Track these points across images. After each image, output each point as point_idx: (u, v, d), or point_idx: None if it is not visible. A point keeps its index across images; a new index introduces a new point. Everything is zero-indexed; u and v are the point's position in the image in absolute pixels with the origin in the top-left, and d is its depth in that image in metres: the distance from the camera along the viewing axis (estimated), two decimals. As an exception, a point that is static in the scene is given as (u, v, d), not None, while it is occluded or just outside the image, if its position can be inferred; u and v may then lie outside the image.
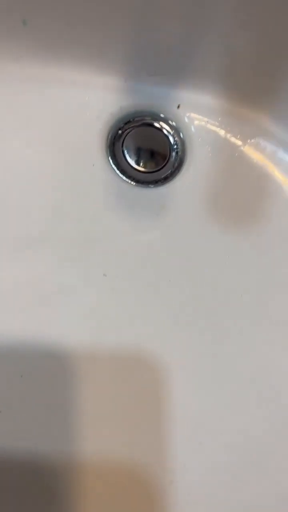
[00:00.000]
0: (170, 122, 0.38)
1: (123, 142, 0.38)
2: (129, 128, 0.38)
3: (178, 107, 0.39)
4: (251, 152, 0.37)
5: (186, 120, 0.38)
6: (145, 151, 0.38)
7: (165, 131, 0.39)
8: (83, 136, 0.37)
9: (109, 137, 0.38)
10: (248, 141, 0.38)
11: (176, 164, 0.38)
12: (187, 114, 0.38)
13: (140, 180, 0.38)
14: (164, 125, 0.38)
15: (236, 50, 0.35)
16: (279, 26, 0.33)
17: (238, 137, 0.38)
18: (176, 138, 0.38)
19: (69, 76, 0.37)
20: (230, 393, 0.38)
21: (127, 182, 0.38)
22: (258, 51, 0.35)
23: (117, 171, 0.38)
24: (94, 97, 0.37)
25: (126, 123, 0.38)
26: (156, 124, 0.39)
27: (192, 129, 0.38)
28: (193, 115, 0.38)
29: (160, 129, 0.39)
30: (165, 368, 0.37)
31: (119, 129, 0.38)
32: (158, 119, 0.38)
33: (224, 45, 0.35)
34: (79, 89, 0.37)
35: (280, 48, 0.34)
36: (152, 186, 0.38)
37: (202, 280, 0.38)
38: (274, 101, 0.37)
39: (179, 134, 0.38)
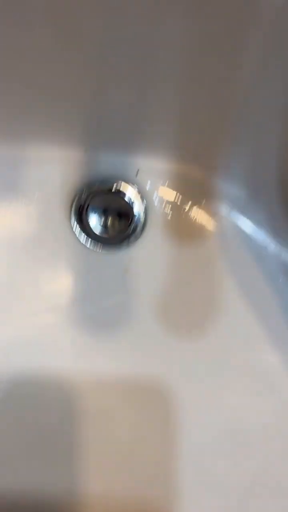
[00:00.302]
0: (130, 188, 0.40)
1: (86, 211, 0.40)
2: (91, 196, 0.40)
3: (137, 173, 0.41)
4: (208, 214, 0.39)
5: (145, 185, 0.40)
6: (108, 217, 0.40)
7: (126, 197, 0.40)
8: (46, 209, 0.39)
9: (72, 207, 0.39)
10: (205, 202, 0.40)
11: (138, 229, 0.40)
12: (146, 179, 0.40)
13: (104, 246, 0.39)
14: (125, 191, 0.40)
15: (186, 118, 0.38)
16: (224, 94, 0.35)
17: (195, 199, 0.40)
18: (137, 203, 0.40)
19: (28, 153, 0.38)
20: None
21: (92, 249, 0.39)
22: (206, 117, 0.37)
23: (81, 239, 0.39)
24: (54, 171, 0.39)
25: (88, 193, 0.40)
26: (117, 191, 0.41)
27: (151, 193, 0.40)
28: (152, 179, 0.41)
29: (121, 196, 0.40)
30: (174, 404, 0.37)
31: (82, 198, 0.40)
32: (119, 185, 0.40)
33: (175, 114, 0.38)
34: (38, 164, 0.39)
35: (227, 113, 0.37)
36: (116, 250, 0.39)
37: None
38: (228, 163, 0.40)
39: (140, 199, 0.40)
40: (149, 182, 0.40)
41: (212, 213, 0.40)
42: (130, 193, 0.40)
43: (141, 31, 0.31)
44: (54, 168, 0.39)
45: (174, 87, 0.35)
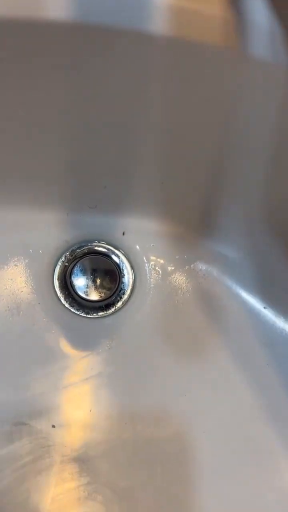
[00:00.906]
0: (116, 250, 0.39)
1: (70, 275, 0.38)
2: (76, 260, 0.38)
3: (123, 234, 0.39)
4: (199, 276, 0.37)
5: (133, 246, 0.39)
6: (93, 281, 0.38)
7: (112, 260, 0.39)
8: (29, 275, 0.37)
9: (56, 271, 0.38)
10: (195, 264, 0.38)
11: (125, 292, 0.38)
12: (133, 240, 0.39)
13: (90, 310, 0.37)
14: (111, 254, 0.39)
15: (173, 179, 0.36)
16: (211, 157, 0.34)
17: (185, 261, 0.38)
18: (123, 265, 0.38)
19: (8, 217, 0.37)
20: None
21: (77, 314, 0.37)
22: (194, 178, 0.36)
23: (66, 304, 0.37)
24: (37, 235, 0.38)
25: (72, 256, 0.38)
26: (103, 253, 0.39)
27: (139, 255, 0.38)
28: (139, 240, 0.39)
29: (107, 258, 0.39)
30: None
31: (66, 262, 0.38)
32: (104, 248, 0.39)
33: (160, 175, 0.36)
34: (21, 228, 0.37)
35: (215, 175, 0.35)
36: (103, 315, 0.37)
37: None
38: (219, 223, 0.38)
39: (127, 261, 0.38)
40: (136, 243, 0.39)
41: (203, 275, 0.38)
42: (116, 255, 0.39)
43: (123, 98, 0.30)
44: (36, 232, 0.38)
45: (160, 150, 0.34)
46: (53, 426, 0.34)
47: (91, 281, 0.38)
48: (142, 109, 0.31)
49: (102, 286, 0.38)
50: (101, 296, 0.38)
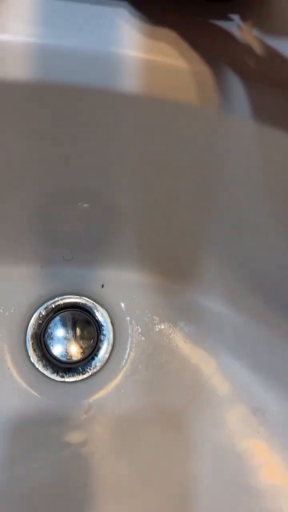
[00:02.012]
0: (95, 304, 0.36)
1: (44, 333, 0.35)
2: (50, 316, 0.35)
3: (102, 286, 0.36)
4: (179, 331, 0.35)
5: (111, 300, 0.36)
6: (70, 340, 0.35)
7: (90, 315, 0.36)
8: (0, 335, 0.34)
9: (29, 331, 0.35)
10: (176, 319, 0.35)
11: (104, 351, 0.35)
12: (112, 293, 0.36)
13: (66, 373, 0.34)
14: (89, 308, 0.36)
15: (151, 230, 0.34)
16: (189, 209, 0.31)
17: (167, 315, 0.35)
18: (103, 321, 0.35)
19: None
20: None
21: (52, 378, 0.34)
22: (176, 230, 0.33)
23: (40, 368, 0.34)
24: (9, 291, 0.35)
25: (46, 313, 0.35)
26: (80, 308, 0.36)
27: (119, 309, 0.36)
28: (118, 293, 0.36)
29: (84, 313, 0.36)
30: None
31: (40, 320, 0.35)
32: (82, 302, 0.36)
33: (141, 226, 0.33)
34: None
35: (199, 226, 0.33)
36: (79, 378, 0.34)
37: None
38: (196, 276, 0.35)
39: (107, 315, 0.36)
40: (116, 296, 0.36)
41: (187, 331, 0.35)
42: (95, 310, 0.36)
43: (96, 152, 0.27)
44: (7, 288, 0.35)
45: (138, 201, 0.31)
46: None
47: (67, 340, 0.35)
48: (116, 162, 0.28)
49: (79, 345, 0.35)
50: (78, 357, 0.35)
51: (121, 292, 0.36)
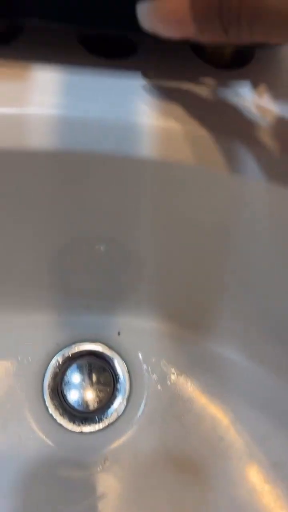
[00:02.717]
0: (111, 351, 0.36)
1: (61, 382, 0.35)
2: (67, 364, 0.36)
3: (119, 334, 0.37)
4: (197, 380, 0.34)
5: (128, 347, 0.36)
6: (86, 388, 0.35)
7: (106, 363, 0.36)
8: (18, 385, 0.34)
9: (46, 380, 0.35)
10: (192, 368, 0.35)
11: (121, 401, 0.35)
12: (129, 341, 0.36)
13: (83, 423, 0.34)
14: (105, 356, 0.36)
15: (168, 279, 0.34)
16: (205, 260, 0.32)
17: (185, 364, 0.35)
18: (119, 369, 0.36)
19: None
20: None
21: (69, 429, 0.34)
22: (193, 279, 0.34)
23: (57, 418, 0.34)
24: (26, 339, 0.35)
25: (63, 361, 0.36)
26: (97, 355, 0.36)
27: (135, 356, 0.36)
28: (135, 341, 0.36)
29: (101, 361, 0.36)
30: None
31: (57, 368, 0.35)
32: (98, 350, 0.36)
33: (159, 275, 0.34)
34: (9, 333, 0.35)
35: (216, 276, 0.33)
36: (96, 429, 0.34)
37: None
38: (214, 324, 0.35)
39: (123, 364, 0.36)
40: (132, 344, 0.36)
41: (205, 380, 0.35)
42: (111, 358, 0.36)
43: (115, 213, 0.28)
44: (25, 336, 0.35)
45: (156, 252, 0.32)
46: None
47: (84, 388, 0.35)
48: (132, 217, 0.29)
49: (95, 394, 0.35)
50: (94, 406, 0.35)
51: (138, 339, 0.36)
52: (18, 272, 0.33)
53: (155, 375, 0.35)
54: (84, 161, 0.24)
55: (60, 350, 0.36)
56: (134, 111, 0.23)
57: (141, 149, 0.23)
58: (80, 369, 0.36)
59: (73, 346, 0.36)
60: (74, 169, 0.24)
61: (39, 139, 0.23)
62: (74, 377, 0.35)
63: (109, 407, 0.35)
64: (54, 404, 0.35)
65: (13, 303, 0.35)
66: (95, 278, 0.35)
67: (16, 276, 0.33)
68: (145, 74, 0.25)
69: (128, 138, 0.23)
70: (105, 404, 0.35)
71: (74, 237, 0.31)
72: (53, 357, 0.36)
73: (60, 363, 0.36)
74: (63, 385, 0.35)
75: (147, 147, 0.23)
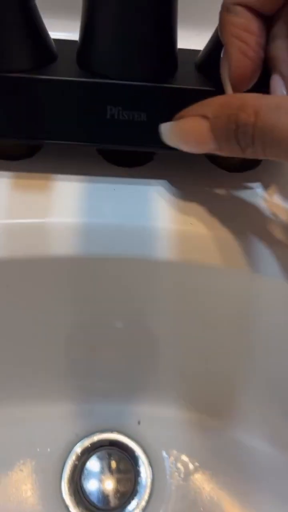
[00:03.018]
0: (131, 442, 0.35)
1: (80, 476, 0.34)
2: (86, 456, 0.35)
3: (139, 423, 0.36)
4: (221, 473, 0.33)
5: (149, 437, 0.35)
6: (106, 482, 0.34)
7: (126, 454, 0.35)
8: (36, 479, 0.33)
9: (65, 474, 0.34)
10: (216, 457, 0.34)
11: (142, 496, 0.33)
12: (150, 430, 0.35)
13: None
14: (125, 447, 0.35)
15: (187, 367, 0.34)
16: (227, 349, 0.32)
17: (206, 453, 0.34)
18: (140, 461, 0.34)
19: (17, 412, 0.34)
20: None
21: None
22: (215, 369, 0.33)
23: (76, 514, 0.33)
24: (45, 430, 0.35)
25: (82, 453, 0.35)
26: (117, 446, 0.35)
27: (157, 447, 0.35)
28: (156, 430, 0.35)
29: (121, 452, 0.35)
30: None
31: (76, 460, 0.34)
32: (118, 440, 0.35)
33: (176, 363, 0.34)
34: (28, 424, 0.34)
35: (238, 364, 0.33)
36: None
37: None
38: (237, 411, 0.34)
39: (144, 455, 0.35)
40: (154, 433, 0.35)
41: (229, 475, 0.33)
42: (131, 449, 0.35)
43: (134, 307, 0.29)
44: (43, 427, 0.35)
45: (176, 342, 0.32)
46: None
47: (104, 482, 0.34)
48: (152, 310, 0.29)
49: (116, 489, 0.34)
50: (115, 503, 0.33)
51: (158, 428, 0.35)
52: (35, 362, 0.33)
53: (177, 471, 0.34)
54: (105, 263, 0.25)
55: (79, 440, 0.35)
56: (152, 215, 0.24)
57: (159, 251, 0.24)
58: (100, 461, 0.35)
59: (92, 436, 0.35)
60: (94, 271, 0.25)
61: (61, 246, 0.24)
62: (94, 470, 0.34)
63: (129, 502, 0.33)
64: (73, 501, 0.33)
65: (30, 394, 0.34)
66: (113, 366, 0.34)
67: (33, 366, 0.33)
68: (162, 180, 0.26)
69: (147, 241, 0.24)
70: (126, 499, 0.34)
71: (93, 326, 0.31)
72: (71, 447, 0.35)
73: (79, 455, 0.35)
74: (82, 479, 0.34)
75: (165, 249, 0.24)
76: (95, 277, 0.25)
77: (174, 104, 0.22)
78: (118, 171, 0.26)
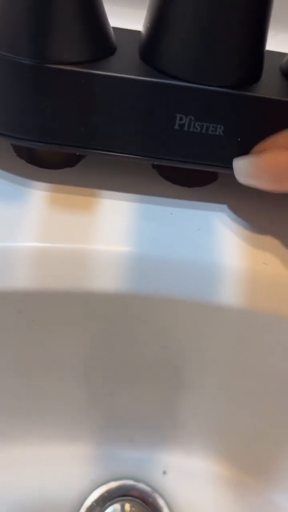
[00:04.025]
0: (155, 493, 0.31)
1: (95, 527, 0.30)
2: (102, 508, 0.30)
3: (164, 473, 0.31)
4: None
5: (175, 489, 0.31)
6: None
7: (149, 507, 0.31)
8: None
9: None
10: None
11: None
12: (176, 482, 0.31)
13: None
14: (148, 498, 0.31)
15: (225, 418, 0.29)
16: (273, 405, 0.27)
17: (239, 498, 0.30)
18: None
19: (28, 454, 0.30)
20: None
21: None
22: (250, 422, 0.29)
23: None
24: (59, 473, 0.30)
25: (97, 502, 0.30)
26: (138, 498, 0.31)
27: (183, 502, 0.30)
28: (182, 482, 0.31)
29: (143, 505, 0.31)
30: None
31: (90, 511, 0.30)
32: (140, 490, 0.31)
33: (212, 411, 0.29)
34: (41, 468, 0.30)
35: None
36: None
37: None
38: (274, 470, 0.30)
39: (166, 509, 0.30)
40: (180, 485, 0.31)
41: None
42: (155, 501, 0.31)
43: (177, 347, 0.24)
44: (58, 469, 0.30)
45: (218, 385, 0.27)
46: None
47: (121, 537, 0.30)
48: (196, 354, 0.25)
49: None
50: None
51: (186, 481, 0.31)
52: (50, 399, 0.29)
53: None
54: (153, 304, 0.20)
55: (96, 488, 0.31)
56: (215, 249, 0.20)
57: (222, 294, 0.20)
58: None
59: (110, 483, 0.31)
60: (138, 311, 0.21)
61: (102, 279, 0.20)
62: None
63: None
64: None
65: (43, 433, 0.30)
66: (141, 407, 0.30)
67: (50, 404, 0.29)
68: (227, 205, 0.21)
69: (207, 281, 0.20)
70: None
71: (125, 368, 0.27)
72: (86, 496, 0.31)
73: (94, 505, 0.30)
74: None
75: (230, 293, 0.20)
76: (140, 317, 0.21)
77: (257, 116, 0.17)
78: (175, 190, 0.22)
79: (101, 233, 0.20)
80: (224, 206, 0.22)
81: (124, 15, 0.24)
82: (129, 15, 0.23)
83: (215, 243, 0.20)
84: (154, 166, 0.22)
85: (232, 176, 0.22)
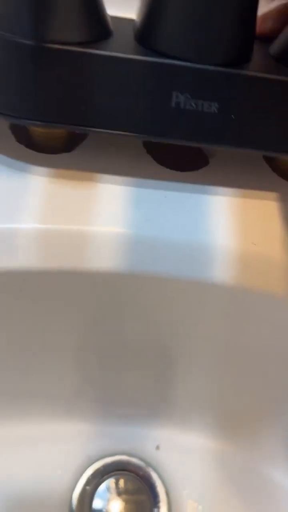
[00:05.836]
0: (148, 468, 0.32)
1: (92, 500, 0.31)
2: (98, 480, 0.32)
3: (157, 448, 0.33)
4: (245, 509, 0.30)
5: (167, 464, 0.32)
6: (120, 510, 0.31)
7: (142, 482, 0.32)
8: (45, 502, 0.30)
9: (74, 499, 0.31)
10: (242, 496, 0.31)
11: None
12: (169, 457, 0.32)
13: None
14: (141, 473, 0.32)
15: (219, 394, 0.31)
16: (266, 382, 0.28)
17: (231, 490, 0.31)
18: (156, 490, 0.31)
19: (26, 432, 0.31)
20: None
21: None
22: (245, 399, 0.30)
23: None
24: (55, 450, 0.31)
25: (94, 476, 0.32)
26: (131, 472, 0.32)
27: (175, 476, 0.32)
28: (175, 457, 0.32)
29: (136, 479, 0.32)
30: None
31: (87, 485, 0.31)
32: (134, 465, 0.32)
33: (207, 388, 0.30)
34: (37, 445, 0.31)
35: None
36: None
37: None
38: (266, 443, 0.31)
39: (161, 484, 0.32)
40: (173, 460, 0.32)
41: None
42: (148, 476, 0.32)
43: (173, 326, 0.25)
44: (54, 446, 0.32)
45: (213, 364, 0.29)
46: None
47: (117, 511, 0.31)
48: (191, 333, 0.26)
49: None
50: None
51: (179, 456, 0.32)
52: (47, 378, 0.30)
53: (200, 505, 0.31)
54: (149, 282, 0.21)
55: (92, 463, 0.32)
56: (207, 230, 0.21)
57: (213, 273, 0.21)
58: (113, 487, 0.32)
59: (105, 459, 0.32)
60: (135, 289, 0.22)
61: (100, 259, 0.21)
62: (106, 497, 0.31)
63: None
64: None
65: (45, 412, 0.31)
66: (135, 385, 0.31)
67: (47, 382, 0.30)
68: (219, 188, 0.23)
69: (199, 261, 0.21)
70: None
71: (120, 345, 0.28)
72: (82, 471, 0.32)
73: (91, 478, 0.32)
74: (93, 507, 0.31)
75: (220, 271, 0.21)
76: (136, 296, 0.22)
77: (251, 95, 0.18)
78: (169, 174, 0.23)
79: (98, 215, 0.21)
80: (215, 189, 0.23)
81: (119, 5, 0.24)
82: (124, 4, 0.24)
83: (206, 224, 0.21)
84: (148, 152, 0.23)
85: (222, 160, 0.23)
